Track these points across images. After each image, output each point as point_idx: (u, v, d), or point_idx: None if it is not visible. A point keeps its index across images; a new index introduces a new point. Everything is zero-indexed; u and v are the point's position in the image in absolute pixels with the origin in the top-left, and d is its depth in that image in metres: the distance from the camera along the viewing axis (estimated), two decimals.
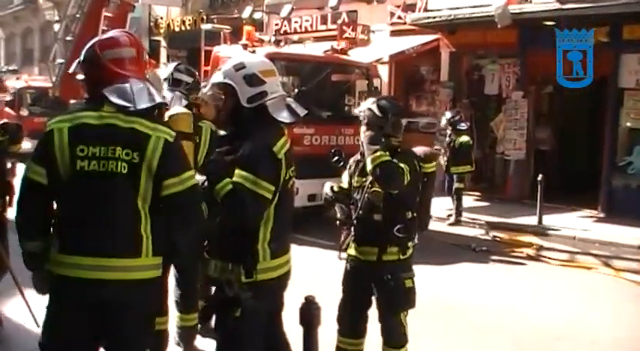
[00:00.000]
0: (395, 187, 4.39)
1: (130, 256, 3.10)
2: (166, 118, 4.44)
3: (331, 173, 10.82)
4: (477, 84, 15.71)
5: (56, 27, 24.00)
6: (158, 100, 3.26)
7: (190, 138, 4.63)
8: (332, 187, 4.81)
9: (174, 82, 5.69)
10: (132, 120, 3.11)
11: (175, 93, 5.53)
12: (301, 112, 3.73)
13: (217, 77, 3.66)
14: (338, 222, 4.77)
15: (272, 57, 11.18)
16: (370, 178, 4.47)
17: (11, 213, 4.38)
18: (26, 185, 3.19)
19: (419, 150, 4.80)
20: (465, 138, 12.08)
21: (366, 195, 4.52)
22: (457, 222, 12.20)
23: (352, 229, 4.65)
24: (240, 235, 3.50)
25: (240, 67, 3.60)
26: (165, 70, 6.21)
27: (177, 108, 5.01)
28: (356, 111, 4.70)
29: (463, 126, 12.23)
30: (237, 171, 3.41)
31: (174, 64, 6.14)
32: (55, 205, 3.23)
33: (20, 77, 23.33)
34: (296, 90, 11.33)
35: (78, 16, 18.47)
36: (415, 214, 4.59)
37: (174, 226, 3.27)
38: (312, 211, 9.93)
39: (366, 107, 4.61)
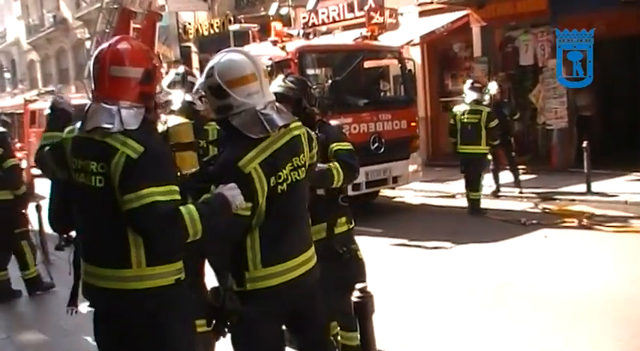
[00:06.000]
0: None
1: (119, 266, 3.02)
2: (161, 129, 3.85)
3: (373, 161, 10.93)
4: (511, 56, 15.53)
5: (88, 44, 24.37)
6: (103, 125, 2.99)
7: (192, 147, 4.26)
8: None
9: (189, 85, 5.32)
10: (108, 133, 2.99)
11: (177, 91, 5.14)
12: (280, 122, 3.21)
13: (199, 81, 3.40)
14: None
15: (302, 50, 11.25)
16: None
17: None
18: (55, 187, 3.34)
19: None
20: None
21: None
22: (493, 194, 12.28)
23: None
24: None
25: (209, 74, 3.22)
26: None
27: (175, 119, 4.54)
28: None
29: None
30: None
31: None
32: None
33: None
34: (329, 81, 11.31)
35: (107, 31, 18.68)
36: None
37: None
38: (357, 200, 9.90)
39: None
